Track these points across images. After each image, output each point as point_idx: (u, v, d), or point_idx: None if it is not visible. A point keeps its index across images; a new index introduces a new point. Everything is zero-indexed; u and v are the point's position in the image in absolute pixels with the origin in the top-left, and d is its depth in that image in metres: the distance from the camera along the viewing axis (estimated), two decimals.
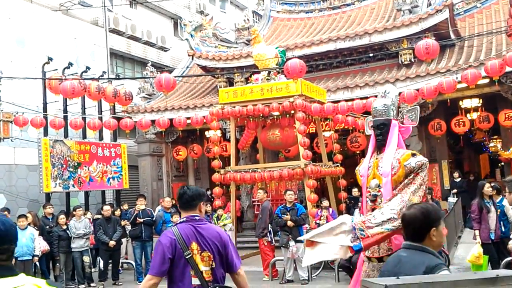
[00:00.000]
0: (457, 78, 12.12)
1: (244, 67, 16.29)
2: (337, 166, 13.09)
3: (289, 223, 9.92)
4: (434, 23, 14.09)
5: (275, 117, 12.50)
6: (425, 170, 4.66)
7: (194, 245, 3.40)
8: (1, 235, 1.86)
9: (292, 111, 11.84)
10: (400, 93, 5.10)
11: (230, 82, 17.17)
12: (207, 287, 3.39)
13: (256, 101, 12.06)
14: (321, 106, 12.15)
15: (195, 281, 3.38)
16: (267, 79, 12.37)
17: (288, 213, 9.98)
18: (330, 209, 11.84)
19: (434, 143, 15.30)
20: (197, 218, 3.53)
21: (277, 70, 12.21)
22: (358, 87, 13.90)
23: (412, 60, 14.42)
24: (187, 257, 3.35)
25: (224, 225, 12.30)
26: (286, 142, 12.85)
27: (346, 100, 12.89)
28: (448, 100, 12.89)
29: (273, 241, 10.58)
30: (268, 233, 10.48)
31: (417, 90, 12.12)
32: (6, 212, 11.61)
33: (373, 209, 4.60)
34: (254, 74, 13.19)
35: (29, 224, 10.43)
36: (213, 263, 3.44)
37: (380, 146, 4.88)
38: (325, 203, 11.80)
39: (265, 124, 13.18)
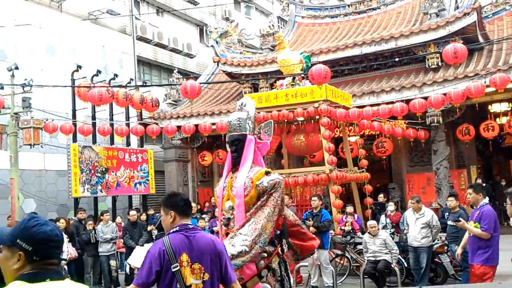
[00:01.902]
0: (485, 82, 11.90)
1: (269, 73, 16.33)
2: (363, 171, 12.97)
3: (311, 229, 9.87)
4: (461, 26, 13.87)
5: (300, 122, 12.48)
6: (279, 191, 4.32)
7: (185, 257, 3.15)
8: (59, 241, 1.98)
9: (317, 117, 11.81)
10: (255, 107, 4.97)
11: (255, 88, 17.23)
12: None
13: (280, 106, 12.07)
14: (346, 111, 12.08)
15: None
16: (292, 85, 12.37)
17: (312, 219, 9.93)
18: (355, 215, 11.73)
19: (462, 148, 15.03)
20: (190, 226, 3.27)
21: (302, 75, 12.21)
22: (384, 92, 13.77)
23: (439, 64, 14.22)
24: (174, 270, 3.10)
25: None
26: (311, 148, 12.81)
27: (372, 105, 12.78)
28: (477, 105, 12.65)
29: None
30: None
31: (445, 94, 11.94)
32: None
33: (227, 234, 4.30)
34: (278, 79, 13.21)
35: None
36: (205, 275, 3.18)
37: (235, 164, 4.55)
38: (350, 209, 11.70)
39: (289, 129, 13.17)
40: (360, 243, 10.12)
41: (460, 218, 6.88)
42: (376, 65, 15.68)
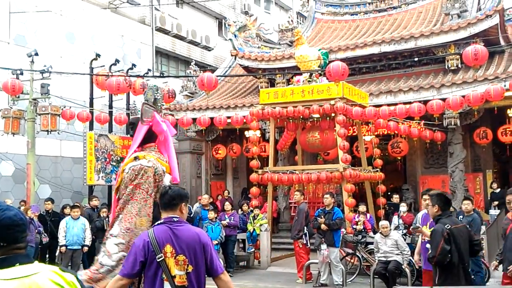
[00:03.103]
0: (505, 85, 11.73)
1: (286, 68, 16.27)
2: (377, 171, 12.90)
3: (323, 226, 9.87)
4: (483, 28, 13.66)
5: (315, 119, 12.44)
6: (146, 181, 3.94)
7: (169, 248, 3.21)
8: (24, 225, 1.97)
9: (333, 114, 11.76)
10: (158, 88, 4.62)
11: (271, 83, 17.20)
12: None
13: (296, 102, 12.04)
14: (362, 109, 12.01)
15: (167, 285, 3.21)
16: (309, 81, 12.33)
17: (323, 216, 9.92)
18: (368, 215, 11.69)
19: (479, 151, 14.85)
20: (175, 219, 3.33)
21: (319, 72, 12.15)
22: (401, 92, 13.65)
23: (459, 65, 14.04)
24: (158, 260, 3.19)
25: (260, 225, 12.35)
26: (325, 145, 12.77)
27: (389, 105, 12.68)
28: (495, 108, 12.47)
29: (309, 244, 10.54)
30: (303, 236, 10.44)
31: (463, 96, 11.79)
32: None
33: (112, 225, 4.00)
34: (295, 75, 13.17)
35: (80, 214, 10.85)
36: (189, 267, 3.23)
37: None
38: (362, 208, 11.66)
39: (304, 126, 13.15)
40: (372, 243, 10.09)
41: (418, 224, 6.86)
42: (394, 65, 15.52)
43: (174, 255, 3.23)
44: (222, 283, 3.35)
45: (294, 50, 14.32)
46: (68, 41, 16.87)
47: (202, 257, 3.29)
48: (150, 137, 4.34)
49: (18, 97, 12.64)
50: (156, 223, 3.39)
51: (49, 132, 13.09)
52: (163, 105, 4.94)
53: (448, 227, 5.06)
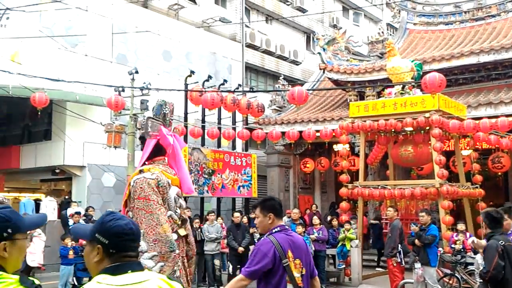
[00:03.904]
0: None
1: (376, 80, 15.95)
2: (476, 187, 12.19)
3: (416, 241, 9.49)
4: None
5: (408, 132, 12.02)
6: (151, 190, 4.09)
7: (290, 253, 3.53)
8: (136, 234, 2.09)
9: (428, 127, 11.31)
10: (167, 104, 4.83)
11: (361, 96, 16.92)
12: None
13: (388, 115, 11.72)
14: (460, 122, 11.44)
15: (290, 287, 3.51)
16: (401, 93, 11.97)
17: (419, 232, 9.53)
18: (467, 234, 11.04)
19: None
20: (286, 227, 3.70)
21: (413, 84, 11.77)
22: (503, 104, 12.84)
23: None
24: (285, 264, 3.47)
25: (350, 240, 12.11)
26: (419, 159, 12.30)
27: (489, 117, 11.98)
28: None
29: (403, 262, 10.14)
30: (397, 254, 10.07)
31: None
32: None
33: None
34: (387, 88, 12.86)
35: None
36: (303, 270, 3.58)
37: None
38: (461, 226, 11.03)
39: (397, 139, 12.75)
40: (472, 264, 9.50)
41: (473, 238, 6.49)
42: (494, 75, 14.66)
43: (293, 259, 3.55)
44: (317, 283, 3.79)
45: (385, 62, 14.00)
46: (165, 59, 17.77)
47: (308, 261, 3.68)
48: (159, 151, 4.55)
49: (120, 112, 13.47)
50: (274, 230, 3.63)
51: None
52: (172, 119, 5.07)
53: (502, 244, 4.92)
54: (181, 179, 4.60)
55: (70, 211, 12.71)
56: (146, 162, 4.52)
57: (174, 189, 4.43)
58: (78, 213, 12.18)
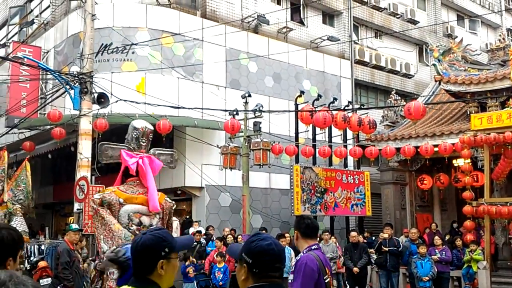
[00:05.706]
0: None
1: (499, 90, 14.88)
2: None
3: None
4: None
5: None
6: (94, 207, 4.90)
7: (327, 270, 3.80)
8: (278, 255, 2.19)
9: None
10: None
11: (482, 107, 15.86)
12: None
13: None
14: None
15: None
16: None
17: None
18: None
19: None
20: (319, 246, 4.06)
21: None
22: None
23: None
24: (326, 281, 3.71)
25: (477, 261, 11.33)
26: None
27: None
28: None
29: None
30: None
31: None
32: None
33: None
34: (511, 97, 11.97)
35: (287, 244, 11.44)
36: (332, 284, 3.95)
37: None
38: None
39: None
40: None
41: None
42: None
43: (330, 276, 3.87)
44: None
45: (508, 70, 13.07)
46: (275, 81, 18.23)
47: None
48: (129, 173, 5.25)
49: (235, 135, 14.05)
50: (313, 248, 3.89)
51: (261, 166, 14.19)
52: (143, 142, 5.54)
53: None
54: (148, 197, 5.19)
55: (192, 230, 13.43)
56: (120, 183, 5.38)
57: (130, 206, 5.07)
58: (199, 231, 12.82)
